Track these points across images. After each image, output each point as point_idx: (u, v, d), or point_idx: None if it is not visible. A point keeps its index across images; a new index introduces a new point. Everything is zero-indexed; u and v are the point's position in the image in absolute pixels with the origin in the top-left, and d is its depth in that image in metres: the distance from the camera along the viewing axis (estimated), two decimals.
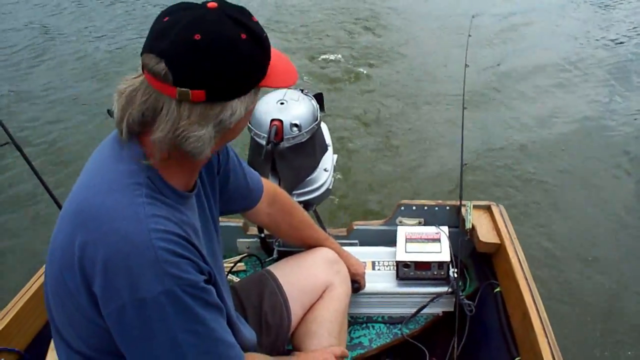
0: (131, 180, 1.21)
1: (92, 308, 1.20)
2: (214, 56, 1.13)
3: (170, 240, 1.17)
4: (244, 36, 1.16)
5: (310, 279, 1.96)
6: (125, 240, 1.14)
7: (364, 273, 2.22)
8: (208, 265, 1.30)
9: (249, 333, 1.67)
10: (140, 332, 1.18)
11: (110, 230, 1.15)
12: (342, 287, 2.00)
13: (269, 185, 1.93)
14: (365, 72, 6.72)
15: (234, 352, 1.34)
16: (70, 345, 1.33)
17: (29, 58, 7.34)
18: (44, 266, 1.38)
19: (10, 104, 6.15)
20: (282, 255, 2.37)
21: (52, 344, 1.93)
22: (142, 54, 1.18)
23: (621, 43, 7.17)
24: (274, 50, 1.28)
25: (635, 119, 5.48)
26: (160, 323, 1.17)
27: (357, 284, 2.17)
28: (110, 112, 1.32)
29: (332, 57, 7.14)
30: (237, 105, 1.19)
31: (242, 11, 1.21)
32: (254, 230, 2.54)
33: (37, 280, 2.10)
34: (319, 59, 7.08)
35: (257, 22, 1.22)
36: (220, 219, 2.42)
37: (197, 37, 1.11)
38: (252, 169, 1.84)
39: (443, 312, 2.32)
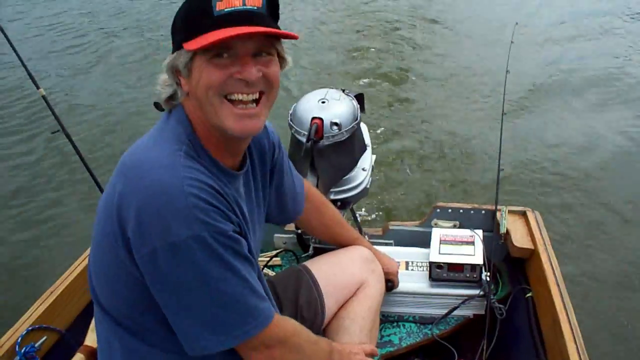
0: (174, 138, 1.32)
1: (127, 254, 1.27)
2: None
3: (201, 189, 1.24)
4: None
5: (346, 276, 1.99)
6: (159, 186, 1.22)
7: (397, 272, 2.25)
8: (239, 219, 1.36)
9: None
10: (170, 277, 1.24)
11: (146, 177, 1.24)
12: (377, 286, 2.02)
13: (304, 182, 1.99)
14: (405, 74, 6.75)
15: (264, 305, 1.38)
16: (104, 309, 1.42)
17: (83, 50, 7.58)
18: (89, 248, 1.46)
19: (62, 93, 6.34)
20: (318, 251, 2.41)
21: (91, 325, 2.01)
22: None
23: None
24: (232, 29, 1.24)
25: None
26: (190, 268, 1.23)
27: (390, 283, 2.20)
28: (156, 105, 1.41)
29: (371, 59, 7.19)
30: (170, 57, 1.34)
31: None
32: (291, 226, 2.58)
33: (81, 262, 2.17)
34: (357, 59, 7.13)
35: None
36: None
37: None
38: (298, 174, 1.91)
39: (474, 314, 2.33)
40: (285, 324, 1.48)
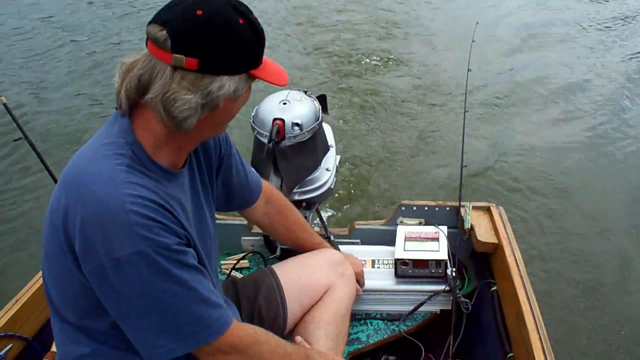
0: (114, 152, 1.31)
1: (76, 267, 1.28)
2: (211, 30, 1.24)
3: (142, 205, 1.25)
4: (241, 21, 1.28)
5: (312, 280, 1.99)
6: (100, 203, 1.23)
7: (362, 272, 2.26)
8: (186, 232, 1.37)
9: (235, 316, 1.69)
10: (120, 290, 1.26)
11: (88, 193, 1.24)
12: (345, 289, 2.02)
13: (267, 185, 2.00)
14: (369, 72, 6.81)
15: (219, 313, 1.39)
16: (59, 312, 1.43)
17: (43, 53, 7.50)
18: None
19: (24, 100, 6.27)
20: (285, 253, 2.42)
21: None
22: (147, 25, 1.29)
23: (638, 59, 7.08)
24: (268, 59, 1.39)
25: None
26: (138, 282, 1.25)
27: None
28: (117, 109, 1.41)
29: (337, 57, 7.23)
30: (226, 82, 1.29)
31: (244, 5, 1.33)
32: (258, 228, 2.59)
33: None
34: (324, 59, 7.17)
35: (256, 18, 1.33)
36: (225, 217, 2.50)
37: (199, 12, 1.24)
38: (252, 169, 1.92)
39: (441, 310, 2.35)
40: (243, 333, 1.47)
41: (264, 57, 1.38)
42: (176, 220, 1.34)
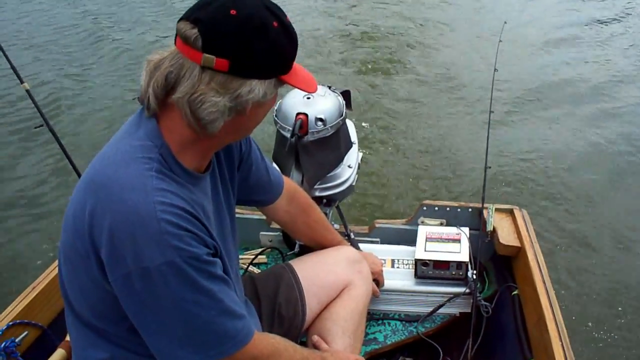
0: (143, 155, 1.27)
1: (100, 273, 1.25)
2: (245, 32, 1.20)
3: (174, 214, 1.22)
4: (275, 24, 1.24)
5: (330, 276, 1.97)
6: (131, 211, 1.19)
7: (382, 271, 2.24)
8: (214, 241, 1.34)
9: (254, 323, 1.68)
10: (145, 300, 1.23)
11: (118, 199, 1.21)
12: (362, 287, 2.00)
13: (289, 183, 1.97)
14: (393, 71, 6.77)
15: (242, 324, 1.37)
16: (78, 315, 1.40)
17: (69, 42, 7.57)
18: None
19: (47, 87, 6.30)
20: (304, 249, 2.39)
21: None
22: (178, 22, 1.25)
23: None
24: (296, 64, 1.35)
25: None
26: (165, 292, 1.22)
27: (375, 282, 2.18)
28: (139, 99, 1.38)
29: (360, 54, 7.21)
30: (256, 86, 1.25)
31: (278, 7, 1.28)
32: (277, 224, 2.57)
33: None
34: (348, 55, 7.15)
35: (289, 21, 1.29)
36: (244, 211, 2.48)
37: (233, 12, 1.20)
38: (274, 166, 1.89)
39: (460, 312, 2.32)
40: (264, 344, 1.46)
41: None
42: (205, 228, 1.31)
